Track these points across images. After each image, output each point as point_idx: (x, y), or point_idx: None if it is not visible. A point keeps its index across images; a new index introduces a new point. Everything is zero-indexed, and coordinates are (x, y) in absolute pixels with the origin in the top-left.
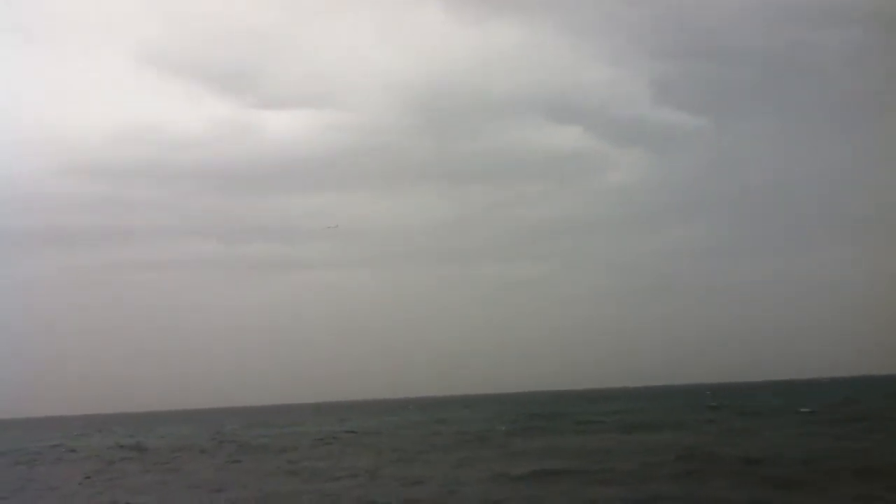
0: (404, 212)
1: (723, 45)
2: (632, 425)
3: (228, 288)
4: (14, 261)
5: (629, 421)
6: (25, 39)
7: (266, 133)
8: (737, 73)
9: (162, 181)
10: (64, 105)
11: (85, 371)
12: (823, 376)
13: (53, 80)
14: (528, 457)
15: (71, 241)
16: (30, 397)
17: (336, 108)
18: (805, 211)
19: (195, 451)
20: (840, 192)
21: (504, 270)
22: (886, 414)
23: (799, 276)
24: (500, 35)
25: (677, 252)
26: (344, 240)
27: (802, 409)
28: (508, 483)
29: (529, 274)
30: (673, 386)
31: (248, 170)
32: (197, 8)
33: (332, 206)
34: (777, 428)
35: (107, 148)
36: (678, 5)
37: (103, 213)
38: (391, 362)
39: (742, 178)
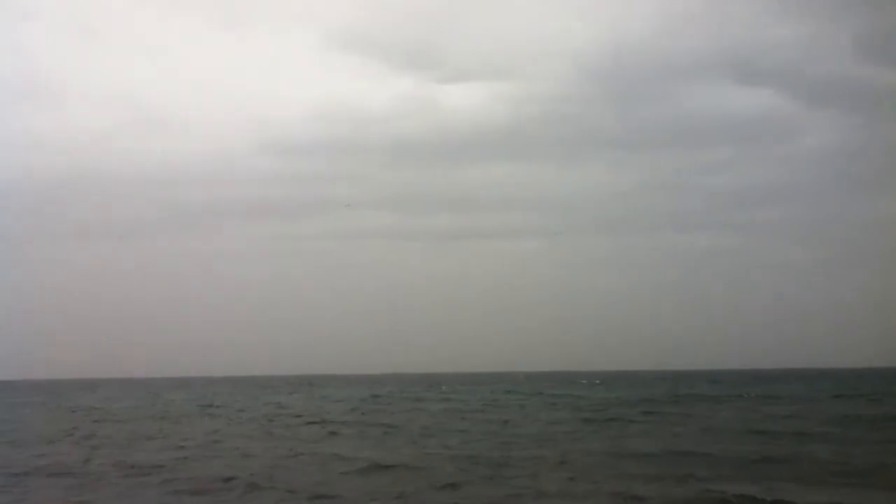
0: (586, 181)
1: None
2: None
3: (413, 258)
4: (221, 232)
5: None
6: (226, 26)
7: (448, 107)
8: None
9: (350, 156)
10: (262, 87)
11: (275, 336)
12: None
13: (252, 64)
14: None
15: (268, 213)
16: (224, 359)
17: (516, 78)
18: None
19: None
20: None
21: (690, 241)
22: None
23: None
24: None
25: (882, 222)
26: (527, 210)
27: None
28: None
29: (717, 244)
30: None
31: (431, 143)
32: None
33: (514, 177)
34: None
35: (300, 126)
36: None
37: (297, 187)
38: (571, 334)
39: None
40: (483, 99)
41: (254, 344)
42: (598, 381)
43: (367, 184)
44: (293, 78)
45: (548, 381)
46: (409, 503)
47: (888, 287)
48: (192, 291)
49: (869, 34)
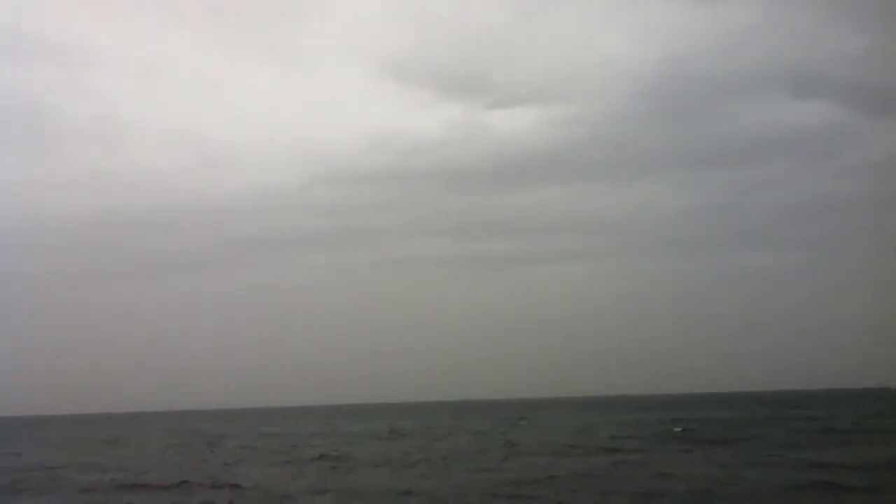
0: (640, 202)
1: None
2: None
3: (461, 284)
4: (275, 262)
5: None
6: (279, 63)
7: (497, 132)
8: None
9: (401, 184)
10: (315, 120)
11: (331, 364)
12: None
13: (305, 98)
14: None
15: (323, 243)
16: (284, 388)
17: (565, 101)
18: None
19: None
20: None
21: (753, 259)
22: None
23: None
24: (738, 12)
25: None
26: (578, 234)
27: None
28: None
29: (781, 262)
30: None
31: (480, 169)
32: (428, 18)
33: (564, 200)
34: None
35: (352, 157)
36: None
37: (349, 216)
38: (629, 357)
39: None
40: (533, 123)
41: (309, 373)
42: None
43: (419, 211)
44: (345, 109)
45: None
46: None
47: None
48: (248, 324)
49: None
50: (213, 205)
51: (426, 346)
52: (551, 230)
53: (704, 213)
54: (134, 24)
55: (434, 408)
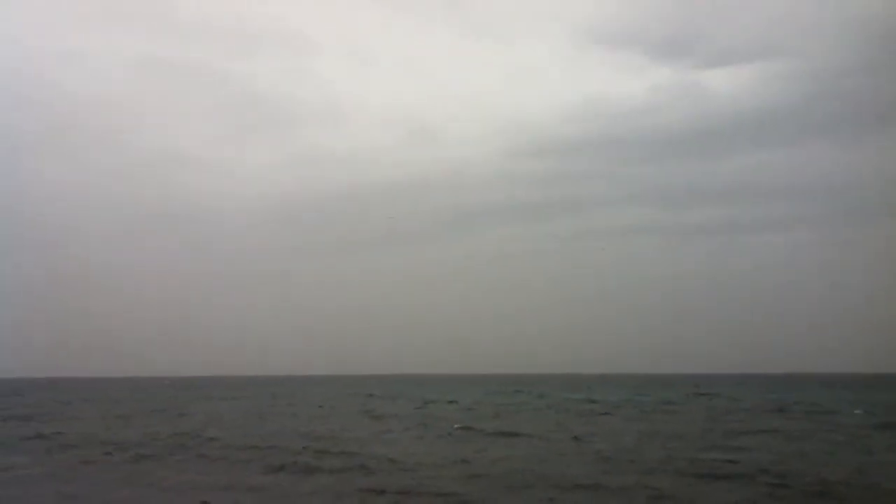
0: (864, 162)
1: None
2: None
3: (667, 255)
4: (476, 234)
5: None
6: (480, 35)
7: (710, 93)
8: None
9: (606, 152)
10: (516, 91)
11: (533, 334)
12: None
13: (507, 69)
14: None
15: (524, 213)
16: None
17: (785, 56)
18: None
19: None
20: None
21: None
22: None
23: None
24: None
25: None
26: (799, 199)
27: None
28: None
29: None
30: None
31: (689, 133)
32: None
33: (783, 163)
34: None
35: (556, 126)
36: None
37: (552, 186)
38: (828, 333)
39: None
40: (748, 81)
41: (510, 343)
42: None
43: (624, 179)
44: (547, 78)
45: None
46: None
47: None
48: (447, 296)
49: None
50: (421, 179)
51: (626, 318)
52: (765, 197)
53: None
54: (345, 11)
55: (623, 381)
